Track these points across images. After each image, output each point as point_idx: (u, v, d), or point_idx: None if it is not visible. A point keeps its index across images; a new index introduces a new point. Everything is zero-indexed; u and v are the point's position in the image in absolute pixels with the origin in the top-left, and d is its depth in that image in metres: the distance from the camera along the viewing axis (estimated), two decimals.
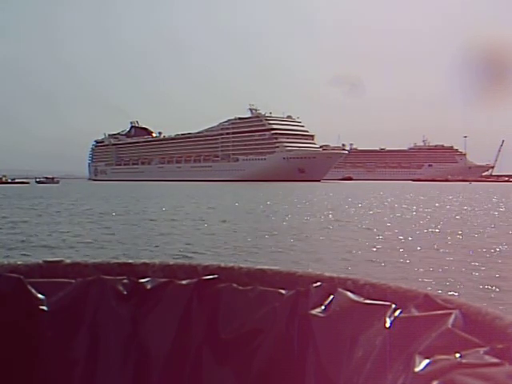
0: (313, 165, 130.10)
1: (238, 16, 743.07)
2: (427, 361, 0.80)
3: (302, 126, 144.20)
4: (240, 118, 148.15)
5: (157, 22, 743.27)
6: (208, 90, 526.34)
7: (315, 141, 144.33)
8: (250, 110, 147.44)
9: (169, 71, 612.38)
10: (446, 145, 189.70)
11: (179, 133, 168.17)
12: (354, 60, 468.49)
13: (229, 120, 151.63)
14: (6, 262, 1.23)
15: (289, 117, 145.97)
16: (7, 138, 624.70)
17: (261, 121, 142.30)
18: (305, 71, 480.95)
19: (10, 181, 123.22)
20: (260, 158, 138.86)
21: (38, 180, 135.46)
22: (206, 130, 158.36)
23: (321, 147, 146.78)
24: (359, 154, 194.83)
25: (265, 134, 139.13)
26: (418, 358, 0.81)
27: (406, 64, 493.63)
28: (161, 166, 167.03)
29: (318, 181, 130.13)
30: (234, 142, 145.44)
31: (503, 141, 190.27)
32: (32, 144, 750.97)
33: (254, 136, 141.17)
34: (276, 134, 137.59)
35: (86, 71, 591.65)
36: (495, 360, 0.76)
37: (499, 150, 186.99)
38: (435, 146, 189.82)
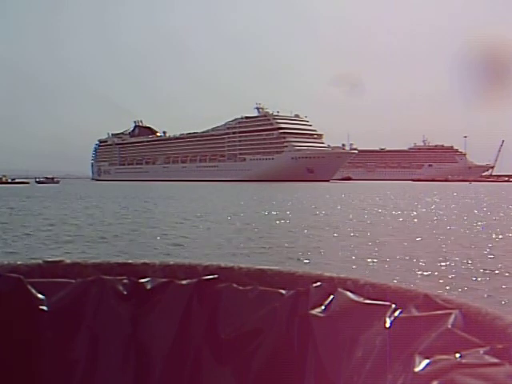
0: (322, 165, 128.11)
1: (238, 16, 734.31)
2: (427, 361, 0.79)
3: (310, 125, 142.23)
4: (247, 117, 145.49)
5: (157, 22, 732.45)
6: (210, 90, 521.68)
7: (323, 140, 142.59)
8: (257, 108, 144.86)
9: (171, 71, 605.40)
10: (445, 145, 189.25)
11: (184, 132, 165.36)
12: (354, 60, 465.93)
13: (235, 119, 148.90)
14: (5, 262, 1.23)
15: (296, 116, 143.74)
16: (7, 138, 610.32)
17: (268, 120, 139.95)
18: (305, 71, 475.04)
19: (10, 181, 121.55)
20: (268, 157, 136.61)
21: (37, 180, 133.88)
22: (212, 130, 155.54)
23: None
24: (359, 153, 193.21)
25: (272, 134, 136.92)
26: (418, 358, 0.80)
27: (407, 64, 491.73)
28: (166, 165, 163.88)
29: (327, 181, 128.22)
30: (240, 141, 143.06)
31: (503, 141, 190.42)
32: (32, 144, 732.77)
33: (261, 135, 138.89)
34: (284, 133, 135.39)
35: (87, 71, 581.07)
36: (495, 360, 0.75)
37: (499, 150, 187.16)
38: (435, 146, 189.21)
